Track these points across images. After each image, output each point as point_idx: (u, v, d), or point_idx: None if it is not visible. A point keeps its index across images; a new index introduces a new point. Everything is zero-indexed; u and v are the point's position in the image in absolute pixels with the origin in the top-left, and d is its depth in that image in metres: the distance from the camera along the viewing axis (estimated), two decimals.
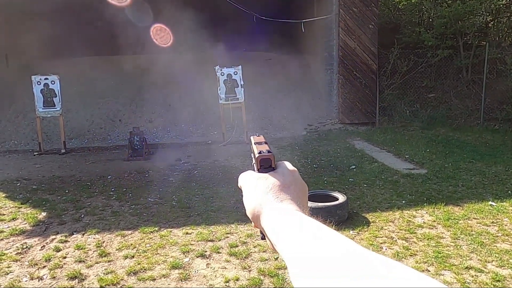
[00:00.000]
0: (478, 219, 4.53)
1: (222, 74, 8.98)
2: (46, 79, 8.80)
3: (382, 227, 4.41)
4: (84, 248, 4.17)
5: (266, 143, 0.79)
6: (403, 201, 5.16)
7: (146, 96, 11.80)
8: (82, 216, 5.12)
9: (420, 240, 4.05)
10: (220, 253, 3.96)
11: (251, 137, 0.83)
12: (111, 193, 6.05)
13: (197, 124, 10.78)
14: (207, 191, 5.95)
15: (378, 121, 9.95)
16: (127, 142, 8.34)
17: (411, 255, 3.75)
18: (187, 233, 4.45)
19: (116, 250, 4.12)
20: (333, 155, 7.77)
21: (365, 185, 5.89)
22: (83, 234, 4.55)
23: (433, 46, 10.25)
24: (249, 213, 0.71)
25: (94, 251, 4.11)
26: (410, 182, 5.90)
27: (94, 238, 4.44)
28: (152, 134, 10.43)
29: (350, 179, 6.20)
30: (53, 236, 4.51)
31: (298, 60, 13.45)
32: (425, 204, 4.99)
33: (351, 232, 4.30)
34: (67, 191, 6.19)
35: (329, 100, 10.63)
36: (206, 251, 3.99)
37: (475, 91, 10.30)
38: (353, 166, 6.90)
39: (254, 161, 0.80)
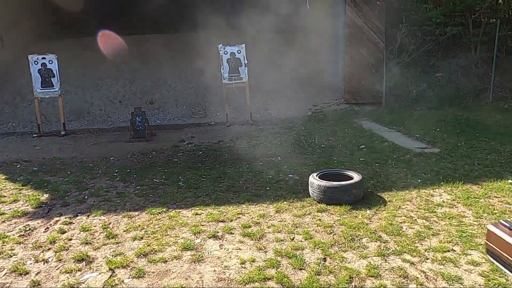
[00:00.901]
0: (499, 197, 4.36)
1: (225, 52, 8.71)
2: (43, 58, 8.52)
3: (399, 206, 4.24)
4: (90, 230, 3.99)
5: None
6: (419, 180, 4.98)
7: (147, 77, 11.52)
8: (86, 197, 4.93)
9: (441, 219, 3.88)
10: (233, 234, 3.79)
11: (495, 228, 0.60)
12: (115, 174, 5.85)
13: (199, 105, 10.55)
14: (214, 172, 5.76)
15: (385, 101, 9.73)
16: (129, 123, 8.11)
17: (433, 235, 3.58)
18: (196, 214, 4.28)
19: (124, 231, 3.94)
20: (341, 135, 7.57)
21: (377, 165, 5.71)
22: (88, 216, 4.36)
23: (441, 24, 9.98)
24: None
25: (100, 233, 3.93)
26: (424, 161, 5.72)
27: (99, 219, 4.25)
28: (153, 116, 10.20)
29: (361, 159, 6.01)
30: (57, 218, 4.33)
31: (301, 39, 13.14)
32: (442, 183, 4.81)
33: (368, 211, 4.13)
34: (69, 172, 5.99)
35: (335, 80, 10.38)
36: (218, 232, 3.82)
37: (484, 70, 10.06)
38: (363, 146, 6.71)
39: None
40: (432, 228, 3.70)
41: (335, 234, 3.69)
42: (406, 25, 9.56)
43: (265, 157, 6.42)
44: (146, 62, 11.96)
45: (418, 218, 3.94)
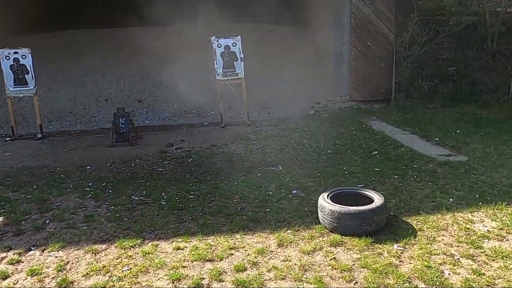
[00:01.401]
0: None
1: (219, 45, 7.74)
2: (15, 53, 7.53)
3: (434, 238, 3.33)
4: (40, 274, 3.07)
5: None
6: (450, 199, 4.06)
7: (135, 72, 10.55)
8: (47, 222, 4.01)
9: (492, 260, 2.98)
10: (223, 281, 2.88)
11: None
12: (88, 189, 4.92)
13: (192, 103, 9.58)
14: (204, 186, 4.84)
15: (394, 98, 8.80)
16: (111, 125, 7.16)
17: (488, 285, 2.68)
18: (178, 248, 3.36)
19: (83, 276, 3.02)
20: (348, 138, 6.64)
21: (395, 177, 4.79)
22: (43, 251, 3.44)
23: (455, 13, 9.02)
24: None
25: (52, 278, 3.01)
26: (451, 173, 4.80)
27: (56, 257, 3.33)
28: (142, 115, 9.25)
29: (375, 169, 5.09)
30: (4, 254, 3.41)
31: (301, 31, 12.17)
32: (480, 203, 3.90)
33: (395, 246, 3.22)
34: (34, 186, 5.05)
35: (339, 75, 9.43)
36: (203, 278, 2.91)
37: (501, 63, 9.13)
38: (376, 152, 5.79)
39: None
40: (483, 274, 2.79)
41: (356, 282, 2.78)
42: (418, 15, 8.60)
43: (263, 166, 5.50)
44: (136, 56, 10.97)
45: (461, 257, 3.03)
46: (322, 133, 6.97)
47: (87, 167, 5.84)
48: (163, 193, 4.65)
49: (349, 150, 6.01)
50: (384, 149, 5.88)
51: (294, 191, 4.51)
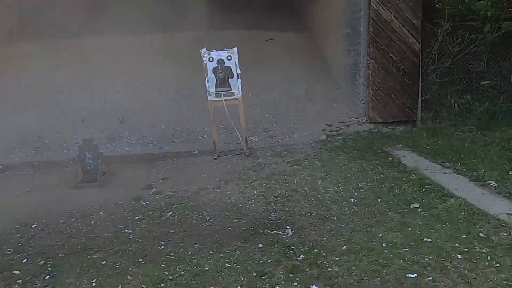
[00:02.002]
0: None
1: (211, 59, 6.22)
2: None
3: None
4: None
5: None
6: None
7: (119, 87, 9.04)
8: None
9: None
10: None
11: None
12: (17, 271, 3.40)
13: (181, 125, 8.04)
14: (184, 267, 3.32)
15: (420, 119, 7.27)
16: (76, 160, 5.63)
17: None
18: None
19: None
20: (374, 177, 5.10)
21: (459, 256, 3.24)
22: None
23: (490, 18, 7.50)
24: None
25: None
26: None
27: None
28: (122, 140, 7.69)
29: (424, 239, 3.55)
30: None
31: (306, 40, 10.67)
32: None
33: None
34: None
35: (353, 92, 7.90)
36: None
37: None
38: (416, 205, 4.25)
39: None
40: None
41: None
42: (449, 20, 7.07)
43: (266, 227, 3.98)
44: (120, 69, 9.48)
45: None
46: (340, 170, 5.43)
47: (33, 226, 4.33)
48: (120, 285, 3.12)
49: (379, 200, 4.47)
50: (426, 200, 4.34)
51: (314, 287, 2.98)
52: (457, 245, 3.40)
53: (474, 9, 7.68)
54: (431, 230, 3.68)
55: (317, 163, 5.76)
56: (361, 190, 4.76)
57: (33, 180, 5.92)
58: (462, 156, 5.63)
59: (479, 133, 6.79)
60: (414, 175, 5.04)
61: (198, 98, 8.48)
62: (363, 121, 7.43)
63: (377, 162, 5.64)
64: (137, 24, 9.79)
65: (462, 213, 3.96)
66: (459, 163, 5.39)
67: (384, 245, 3.48)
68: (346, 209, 4.31)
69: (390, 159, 5.73)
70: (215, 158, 6.35)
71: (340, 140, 6.79)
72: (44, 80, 9.21)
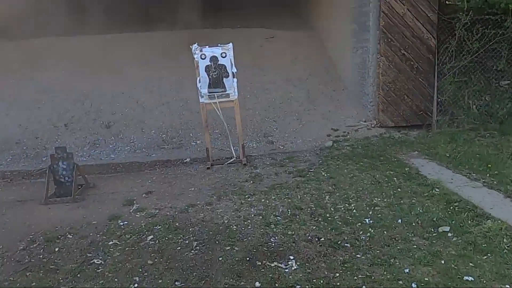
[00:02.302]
0: None
1: (203, 56, 5.48)
2: None
3: None
4: None
5: None
6: None
7: (106, 89, 8.31)
8: None
9: None
10: None
11: None
12: None
13: (172, 129, 7.32)
14: None
15: (435, 122, 6.52)
16: (47, 172, 4.88)
17: None
18: None
19: None
20: (391, 192, 4.35)
21: None
22: None
23: (511, 12, 6.77)
24: None
25: None
26: None
27: None
28: (108, 147, 6.96)
29: (464, 277, 2.80)
30: None
31: (308, 38, 9.94)
32: None
33: None
34: None
35: (361, 93, 7.16)
36: None
37: None
38: (446, 228, 3.50)
39: None
40: None
41: None
42: (469, 14, 6.33)
43: (265, 257, 3.24)
44: (108, 69, 8.76)
45: None
46: (350, 182, 4.69)
47: None
48: None
49: (399, 220, 3.72)
50: (457, 221, 3.59)
51: None
52: (507, 286, 2.66)
53: (493, 2, 6.94)
54: (470, 264, 2.94)
55: (323, 173, 5.02)
56: (376, 208, 4.01)
57: (2, 193, 5.19)
58: (489, 165, 4.88)
59: (502, 138, 6.05)
60: (437, 190, 4.29)
61: (191, 100, 7.78)
62: (372, 125, 6.69)
63: (392, 172, 4.90)
64: (125, 22, 9.10)
65: (505, 240, 3.21)
66: (488, 174, 4.64)
67: (414, 285, 2.73)
68: (360, 232, 3.57)
69: (406, 169, 4.98)
70: (208, 168, 5.60)
71: (348, 147, 6.05)
72: (26, 81, 8.51)
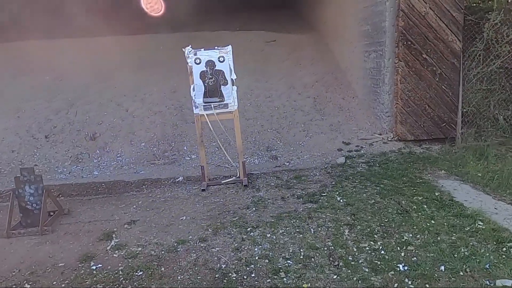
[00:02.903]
0: None
1: (198, 61, 4.69)
2: None
3: None
4: None
5: None
6: None
7: (93, 96, 7.52)
8: None
9: None
10: None
11: None
12: None
13: (165, 142, 6.52)
14: None
15: (460, 135, 5.74)
16: (11, 198, 4.06)
17: None
18: None
19: None
20: (424, 226, 3.55)
21: None
22: None
23: None
24: None
25: None
26: None
27: None
28: (92, 161, 6.16)
29: None
30: None
31: (313, 41, 9.18)
32: None
33: None
34: None
35: (375, 102, 6.37)
36: None
37: None
38: (508, 282, 2.70)
39: None
40: None
41: None
42: (499, 13, 5.57)
43: None
44: (96, 74, 7.98)
45: None
46: (371, 211, 3.88)
47: None
48: None
49: (442, 267, 2.92)
50: None
51: None
52: None
53: None
54: None
55: (338, 199, 4.21)
56: (409, 248, 3.21)
57: None
58: None
59: None
60: (481, 223, 3.49)
61: (186, 111, 7.02)
62: (389, 139, 5.90)
63: (420, 198, 4.10)
64: (114, 24, 8.32)
65: None
66: None
67: None
68: (395, 285, 2.76)
69: (437, 194, 4.18)
70: (204, 190, 4.79)
71: (363, 164, 5.24)
72: (5, 87, 7.72)
